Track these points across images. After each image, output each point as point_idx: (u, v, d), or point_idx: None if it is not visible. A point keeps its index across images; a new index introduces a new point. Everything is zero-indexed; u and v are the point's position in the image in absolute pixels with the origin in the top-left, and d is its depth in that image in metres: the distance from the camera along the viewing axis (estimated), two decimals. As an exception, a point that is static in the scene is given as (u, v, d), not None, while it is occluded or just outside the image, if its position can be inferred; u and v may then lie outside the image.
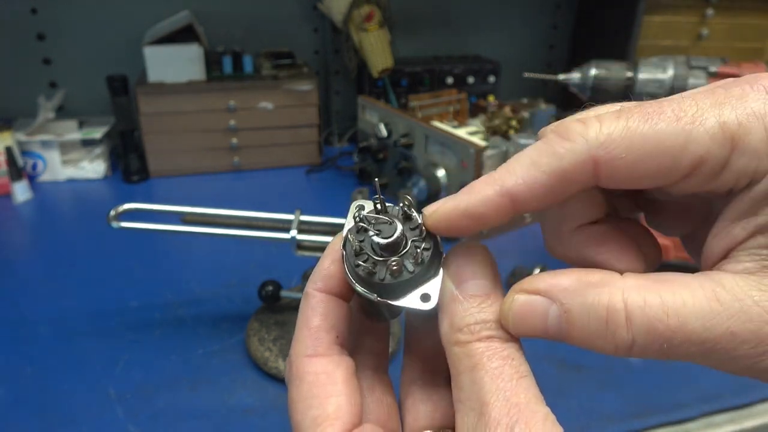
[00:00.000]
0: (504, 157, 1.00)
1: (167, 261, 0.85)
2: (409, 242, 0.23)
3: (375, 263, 0.23)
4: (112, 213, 0.59)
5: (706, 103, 0.19)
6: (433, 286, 0.23)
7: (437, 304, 0.22)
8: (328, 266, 0.25)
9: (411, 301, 0.23)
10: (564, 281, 0.21)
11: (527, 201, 0.21)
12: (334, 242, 0.25)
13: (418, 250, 0.22)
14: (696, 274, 0.20)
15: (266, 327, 0.67)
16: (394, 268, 0.22)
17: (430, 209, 0.23)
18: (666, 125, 0.19)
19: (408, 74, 1.22)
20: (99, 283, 0.79)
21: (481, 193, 0.21)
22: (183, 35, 1.07)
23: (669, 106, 0.19)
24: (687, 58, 0.77)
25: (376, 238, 0.23)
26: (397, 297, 0.23)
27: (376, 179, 0.25)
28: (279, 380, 0.62)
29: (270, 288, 0.68)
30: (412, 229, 0.23)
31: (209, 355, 0.66)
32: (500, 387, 0.20)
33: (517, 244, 0.90)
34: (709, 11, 1.26)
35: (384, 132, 1.00)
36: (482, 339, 0.21)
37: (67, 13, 1.13)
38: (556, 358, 0.65)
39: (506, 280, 0.78)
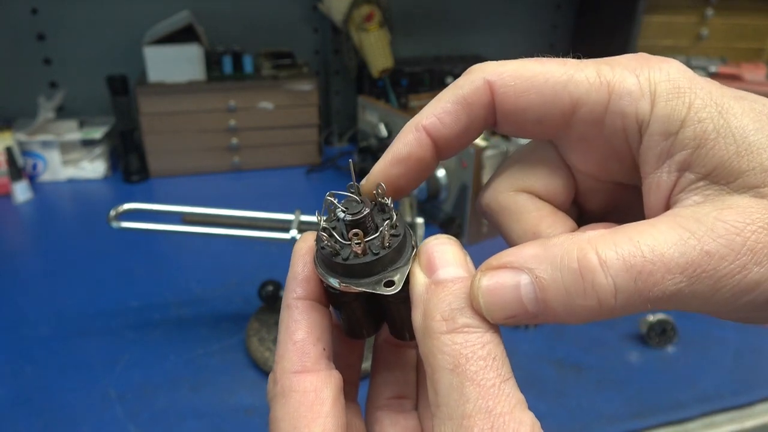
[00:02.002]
0: (504, 157, 1.00)
1: (167, 261, 0.85)
2: (380, 229, 0.23)
3: (342, 246, 0.22)
4: (112, 213, 0.59)
5: (588, 61, 0.22)
6: (400, 274, 0.22)
7: (412, 297, 0.22)
8: (302, 269, 0.24)
9: (374, 285, 0.22)
10: (529, 249, 0.20)
11: (441, 132, 0.23)
12: (299, 244, 0.25)
13: (386, 235, 0.22)
14: (651, 219, 0.20)
15: (266, 327, 0.67)
16: (358, 248, 0.22)
17: (366, 177, 0.24)
18: (553, 66, 0.22)
19: (408, 74, 1.22)
20: (99, 283, 0.79)
21: (400, 138, 0.24)
22: (183, 35, 1.07)
23: (560, 58, 0.23)
24: (687, 59, 0.77)
25: (342, 214, 0.22)
26: (359, 280, 0.22)
27: (350, 160, 0.26)
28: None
29: (270, 288, 0.68)
30: (385, 219, 0.23)
31: (209, 355, 0.66)
32: (482, 395, 0.18)
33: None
34: (709, 11, 1.26)
35: (384, 132, 1.00)
36: (459, 330, 0.20)
37: (67, 13, 1.13)
38: (556, 358, 0.65)
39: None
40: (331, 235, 0.22)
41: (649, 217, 0.21)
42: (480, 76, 0.23)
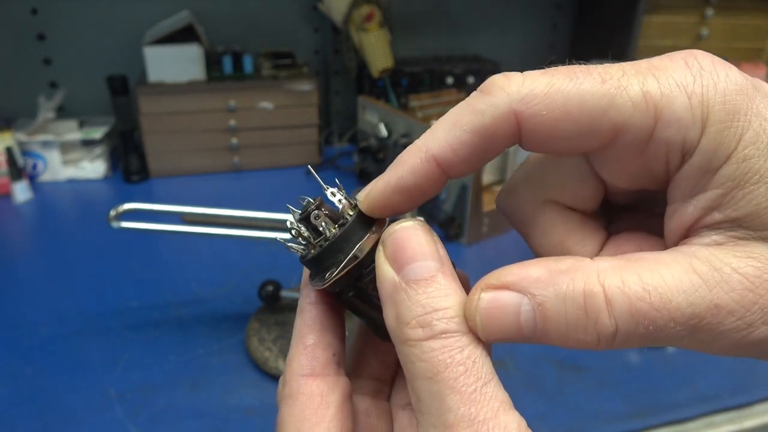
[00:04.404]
0: (504, 158, 1.00)
1: (167, 261, 0.85)
2: (318, 220, 0.22)
3: (306, 247, 0.23)
4: (113, 213, 0.59)
5: (631, 71, 0.19)
6: (333, 268, 0.21)
7: (383, 296, 0.20)
8: None
9: (317, 280, 0.22)
10: (533, 271, 0.19)
11: (454, 163, 0.20)
12: None
13: (326, 224, 0.22)
14: (667, 251, 0.19)
15: (266, 327, 0.67)
16: (311, 248, 0.22)
17: (363, 193, 0.22)
18: (590, 86, 0.19)
19: (408, 74, 1.22)
20: (99, 283, 0.79)
21: (408, 164, 0.20)
22: (183, 35, 1.07)
23: (596, 69, 0.19)
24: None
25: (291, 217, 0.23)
26: (314, 276, 0.22)
27: (309, 165, 0.26)
28: (279, 380, 0.62)
29: (270, 288, 0.68)
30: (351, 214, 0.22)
31: (209, 355, 0.66)
32: (463, 402, 0.18)
33: (517, 244, 0.90)
34: (709, 11, 1.26)
35: (384, 132, 1.00)
36: (436, 336, 0.19)
37: (67, 13, 1.13)
38: (556, 358, 0.65)
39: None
40: (297, 236, 0.23)
41: (667, 238, 0.20)
42: (504, 101, 0.19)
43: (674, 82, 0.18)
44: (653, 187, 0.21)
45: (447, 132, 0.20)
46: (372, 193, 0.21)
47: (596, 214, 0.24)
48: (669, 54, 0.19)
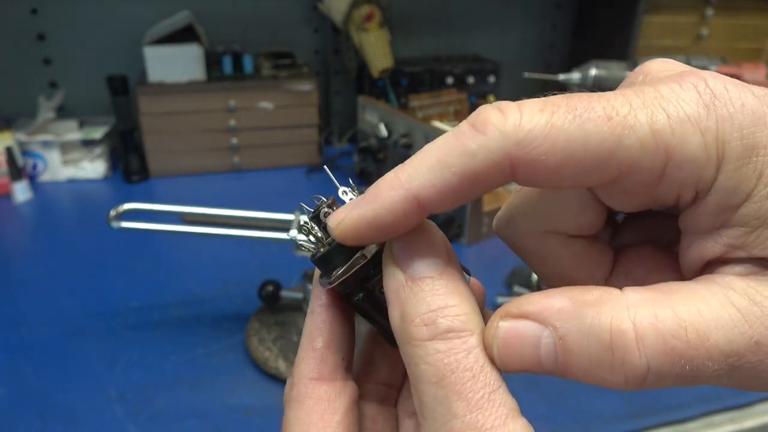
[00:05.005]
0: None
1: (167, 261, 0.85)
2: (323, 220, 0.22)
3: (315, 245, 0.22)
4: (113, 213, 0.59)
5: (638, 104, 0.17)
6: (342, 267, 0.21)
7: (388, 297, 0.20)
8: None
9: (323, 280, 0.22)
10: (556, 302, 0.17)
11: (437, 204, 0.18)
12: None
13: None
14: (699, 280, 0.18)
15: (266, 327, 0.67)
16: (320, 245, 0.22)
17: (335, 219, 0.20)
18: (594, 126, 0.17)
19: (408, 74, 1.22)
20: (99, 283, 0.79)
21: (386, 200, 0.18)
22: (183, 35, 1.07)
23: (599, 103, 0.17)
24: (687, 58, 0.77)
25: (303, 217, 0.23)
26: (323, 276, 0.22)
27: (325, 166, 0.25)
28: (279, 380, 0.62)
29: (270, 288, 0.68)
30: None
31: (209, 355, 0.66)
32: (470, 409, 0.17)
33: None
34: (709, 11, 1.26)
35: (384, 132, 1.00)
36: (441, 334, 0.18)
37: (67, 13, 1.13)
38: (556, 358, 0.65)
39: (506, 279, 0.78)
40: (308, 235, 0.22)
41: (685, 267, 0.19)
42: (499, 144, 0.17)
43: (685, 115, 0.17)
44: (662, 209, 0.20)
45: (433, 172, 0.18)
46: (344, 223, 0.19)
47: (600, 231, 0.23)
48: (677, 77, 0.18)
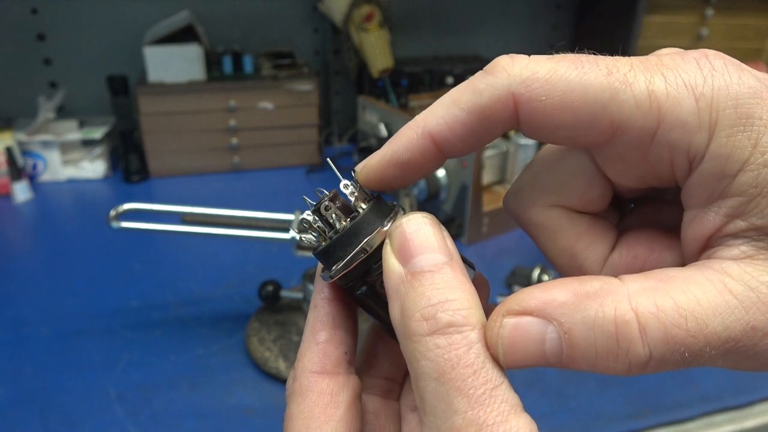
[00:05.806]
0: (504, 158, 1.00)
1: (167, 261, 0.85)
2: (328, 212, 0.22)
3: (317, 239, 0.23)
4: (112, 213, 0.59)
5: (639, 67, 0.18)
6: (343, 260, 0.21)
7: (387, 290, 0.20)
8: None
9: (324, 275, 0.22)
10: (559, 295, 0.18)
11: (450, 142, 0.20)
12: None
13: (337, 216, 0.22)
14: (696, 266, 0.18)
15: (266, 327, 0.67)
16: (322, 238, 0.22)
17: (360, 165, 0.22)
18: (594, 77, 0.18)
19: (408, 74, 1.22)
20: (99, 283, 0.79)
21: (404, 138, 0.21)
22: (183, 35, 1.07)
23: (604, 60, 0.18)
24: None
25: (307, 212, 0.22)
26: (324, 270, 0.22)
27: (328, 159, 0.25)
28: (279, 380, 0.62)
29: (270, 288, 0.68)
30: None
31: (209, 355, 0.66)
32: (471, 405, 0.17)
33: (517, 244, 0.90)
34: (709, 11, 1.26)
35: (384, 132, 1.00)
36: (441, 329, 0.18)
37: (67, 13, 1.13)
38: (556, 358, 0.65)
39: (506, 279, 0.78)
40: (309, 228, 0.22)
41: (686, 246, 0.20)
42: (504, 82, 0.19)
43: (683, 82, 0.18)
44: (663, 185, 0.20)
45: (445, 109, 0.20)
46: (368, 165, 0.21)
47: (606, 211, 0.23)
48: (681, 51, 0.19)
